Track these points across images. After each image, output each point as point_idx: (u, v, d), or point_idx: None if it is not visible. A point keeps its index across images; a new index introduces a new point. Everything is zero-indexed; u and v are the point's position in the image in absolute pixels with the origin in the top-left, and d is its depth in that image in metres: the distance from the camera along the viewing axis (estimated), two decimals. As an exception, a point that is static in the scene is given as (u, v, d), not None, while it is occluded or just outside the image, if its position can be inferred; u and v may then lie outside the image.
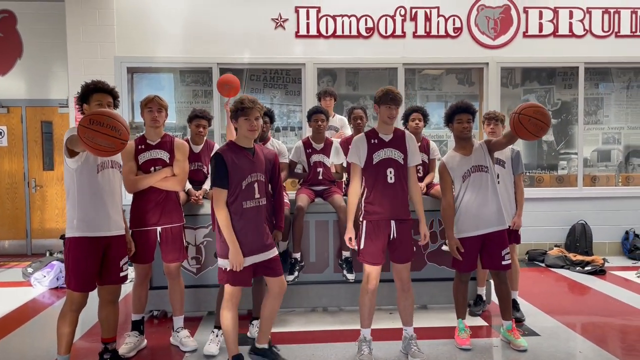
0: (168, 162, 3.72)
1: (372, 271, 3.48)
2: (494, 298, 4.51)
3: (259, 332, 3.52)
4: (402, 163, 3.49)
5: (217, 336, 3.75)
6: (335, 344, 3.92)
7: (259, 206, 3.24)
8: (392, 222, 3.46)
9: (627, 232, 6.94)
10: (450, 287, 4.65)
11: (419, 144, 4.85)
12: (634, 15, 6.87)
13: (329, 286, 4.67)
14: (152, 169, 3.68)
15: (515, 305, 4.43)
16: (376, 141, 3.49)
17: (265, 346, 3.49)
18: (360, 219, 3.52)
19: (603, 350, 3.76)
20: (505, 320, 3.92)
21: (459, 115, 3.77)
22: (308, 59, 6.70)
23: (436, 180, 4.67)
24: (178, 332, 3.87)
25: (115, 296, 3.38)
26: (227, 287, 3.22)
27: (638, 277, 5.81)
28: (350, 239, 3.47)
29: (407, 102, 6.73)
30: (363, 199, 3.51)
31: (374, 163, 3.46)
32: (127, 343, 3.72)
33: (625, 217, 6.99)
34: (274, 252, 3.32)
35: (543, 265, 6.47)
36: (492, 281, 4.81)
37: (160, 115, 3.68)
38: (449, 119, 3.86)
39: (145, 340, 3.91)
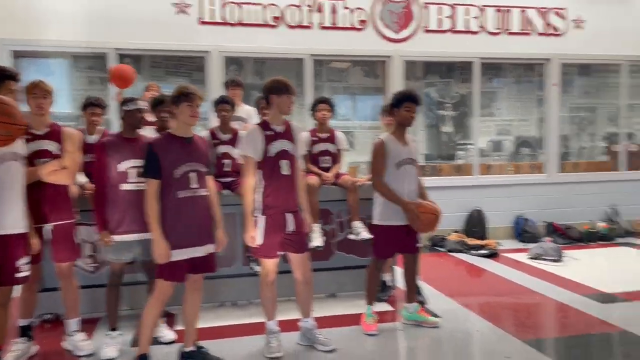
0: (57, 153, 3.43)
1: (271, 264, 3.46)
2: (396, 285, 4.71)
3: (185, 335, 3.40)
4: (293, 154, 3.49)
5: (113, 338, 3.55)
6: (245, 337, 3.86)
7: (195, 197, 3.13)
8: (288, 215, 3.45)
9: (517, 217, 7.49)
10: (358, 275, 4.75)
11: (327, 134, 4.90)
12: (522, 14, 7.38)
13: (238, 280, 4.59)
14: (38, 161, 3.37)
15: (417, 289, 4.62)
16: (271, 132, 3.43)
17: (194, 348, 3.39)
18: (257, 214, 3.42)
19: (498, 328, 4.02)
20: (411, 302, 4.08)
21: (410, 104, 3.85)
22: (213, 47, 6.50)
23: (346, 172, 4.73)
24: (72, 335, 3.60)
25: (4, 299, 3.09)
26: (158, 282, 3.10)
27: (528, 258, 6.29)
28: (252, 237, 3.39)
29: (316, 94, 6.75)
30: (260, 193, 3.42)
31: (270, 155, 3.40)
32: (14, 351, 3.41)
33: (516, 203, 7.53)
34: (211, 248, 3.24)
35: (444, 250, 6.81)
36: (397, 267, 5.02)
37: (45, 101, 3.38)
38: (397, 105, 3.87)
39: (36, 347, 3.61)
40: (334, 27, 6.84)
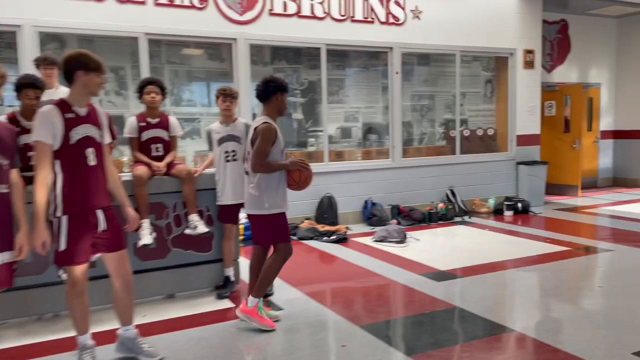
0: None
1: (79, 272, 2.96)
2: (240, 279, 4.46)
3: None
4: (99, 141, 3.03)
5: None
6: (55, 356, 3.32)
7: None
8: (98, 212, 2.99)
9: (366, 202, 7.66)
10: (198, 272, 4.43)
11: (158, 119, 4.45)
12: (365, 2, 7.50)
13: (51, 289, 3.97)
14: None
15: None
16: (72, 115, 2.92)
17: None
18: (57, 214, 2.90)
19: (338, 315, 3.95)
20: (255, 297, 3.85)
21: (285, 94, 3.77)
22: (25, 21, 5.61)
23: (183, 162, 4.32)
24: None
25: None
26: None
27: (374, 241, 6.42)
28: (43, 244, 2.81)
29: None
30: (58, 188, 2.89)
31: (72, 142, 2.89)
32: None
33: (365, 188, 7.70)
34: (7, 257, 2.74)
35: (295, 238, 6.71)
36: (239, 260, 4.76)
37: None
38: (273, 91, 3.70)
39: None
40: (172, 5, 6.31)
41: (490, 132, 9.10)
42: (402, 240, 6.37)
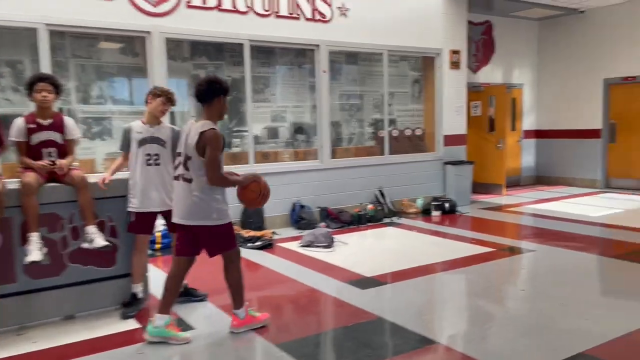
0: None
1: None
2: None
3: None
4: None
5: None
6: None
7: None
8: None
9: (294, 205, 7.40)
10: (100, 289, 4.05)
11: (50, 120, 3.96)
12: (290, -2, 7.24)
13: None
14: None
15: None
16: None
17: None
18: None
19: (253, 332, 3.66)
20: (164, 313, 3.52)
21: (227, 97, 3.55)
22: None
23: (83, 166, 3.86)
24: None
25: None
26: None
27: (300, 247, 6.18)
28: None
29: (57, 73, 5.62)
30: None
31: None
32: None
33: (293, 190, 7.44)
34: None
35: (218, 245, 6.35)
36: (149, 274, 4.37)
37: None
38: (218, 93, 3.47)
39: None
40: (76, -7, 5.76)
41: (419, 132, 9.09)
42: (329, 244, 6.16)
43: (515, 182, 11.34)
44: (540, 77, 11.64)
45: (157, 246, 6.07)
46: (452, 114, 9.11)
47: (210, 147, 3.31)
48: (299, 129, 7.92)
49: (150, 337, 3.49)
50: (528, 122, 11.62)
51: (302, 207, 7.42)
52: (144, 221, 4.06)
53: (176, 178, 3.52)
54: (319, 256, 5.77)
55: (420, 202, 8.52)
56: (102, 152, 6.30)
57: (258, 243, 6.22)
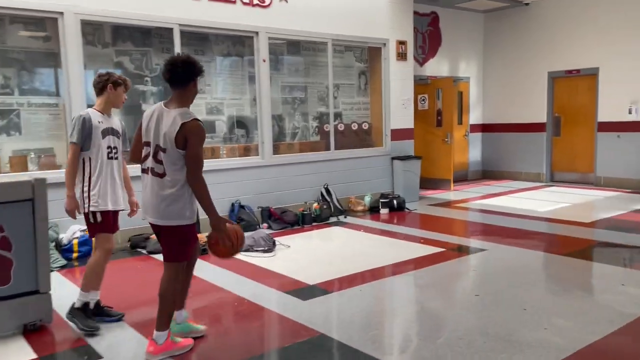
0: None
1: None
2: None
3: None
4: None
5: None
6: None
7: None
8: None
9: (233, 205, 6.85)
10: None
11: None
12: (225, -20, 6.65)
13: None
14: None
15: (85, 308, 3.59)
16: None
17: None
18: None
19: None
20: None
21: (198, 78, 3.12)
22: None
23: None
24: None
25: None
26: None
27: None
28: None
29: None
30: None
31: None
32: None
33: (232, 189, 6.88)
34: None
35: (145, 252, 5.72)
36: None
37: None
38: (195, 76, 3.06)
39: None
40: (-30, -35, 4.97)
41: (365, 126, 8.72)
42: (269, 248, 5.66)
43: (462, 177, 11.21)
44: (486, 70, 11.56)
45: (74, 255, 5.39)
46: (399, 108, 8.79)
47: (194, 140, 2.93)
48: (238, 123, 7.36)
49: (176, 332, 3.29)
50: (474, 116, 11.52)
51: (242, 207, 6.87)
52: (112, 220, 3.67)
53: (144, 171, 3.12)
54: (258, 262, 5.27)
55: (367, 200, 8.15)
56: (8, 149, 5.53)
57: (191, 248, 5.63)
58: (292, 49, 7.88)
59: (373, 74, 8.80)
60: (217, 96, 7.17)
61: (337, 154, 8.07)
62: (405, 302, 4.25)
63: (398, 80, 8.71)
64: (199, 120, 3.00)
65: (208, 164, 6.63)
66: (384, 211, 7.87)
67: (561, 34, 10.20)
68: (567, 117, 10.44)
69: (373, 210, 8.00)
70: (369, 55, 8.77)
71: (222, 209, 6.74)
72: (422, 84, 10.05)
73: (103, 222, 3.58)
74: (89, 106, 3.98)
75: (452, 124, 9.88)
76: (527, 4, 10.57)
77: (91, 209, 3.52)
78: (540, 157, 10.74)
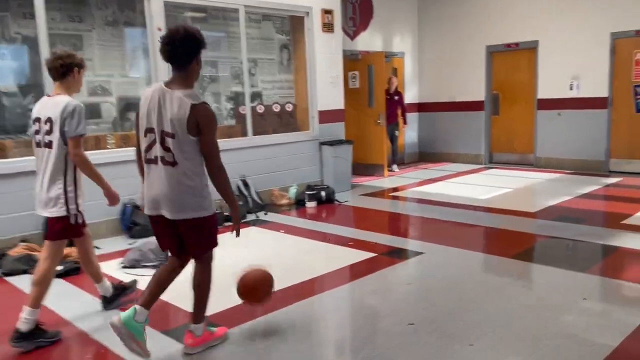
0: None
1: None
2: None
3: None
4: None
5: None
6: None
7: None
8: None
9: (125, 206, 5.65)
10: None
11: None
12: None
13: None
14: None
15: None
16: None
17: None
18: None
19: None
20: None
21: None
22: None
23: None
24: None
25: None
26: None
27: (122, 268, 4.52)
28: None
29: None
30: None
31: None
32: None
33: (123, 187, 5.63)
34: None
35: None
36: None
37: None
38: (197, 53, 2.74)
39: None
40: None
41: (289, 107, 7.68)
42: (161, 263, 4.55)
43: (399, 160, 10.43)
44: (421, 45, 10.75)
45: None
46: (327, 86, 7.79)
47: (208, 126, 2.68)
48: (129, 106, 6.11)
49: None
50: (410, 94, 10.72)
51: (136, 208, 5.69)
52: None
53: (150, 161, 2.76)
54: (144, 283, 4.14)
55: (293, 192, 7.16)
56: None
57: (59, 268, 4.43)
58: (198, 18, 6.66)
59: (297, 47, 7.73)
60: (100, 73, 5.88)
61: (256, 140, 7.00)
62: (325, 339, 3.29)
63: (325, 54, 7.69)
64: (207, 103, 2.72)
65: (92, 156, 5.43)
66: (310, 205, 6.91)
67: (500, 4, 9.50)
68: (506, 95, 9.82)
69: (299, 204, 7.02)
70: (292, 26, 7.69)
71: (111, 211, 5.53)
72: (352, 60, 9.09)
73: (78, 226, 3.28)
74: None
75: (385, 104, 9.00)
76: (463, -28, 9.79)
77: (80, 209, 3.24)
78: (479, 137, 10.12)
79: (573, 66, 8.75)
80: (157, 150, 2.70)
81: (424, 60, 10.76)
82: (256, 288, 3.19)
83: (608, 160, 8.62)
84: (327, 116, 7.80)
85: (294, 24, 7.63)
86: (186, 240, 2.84)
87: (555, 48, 8.91)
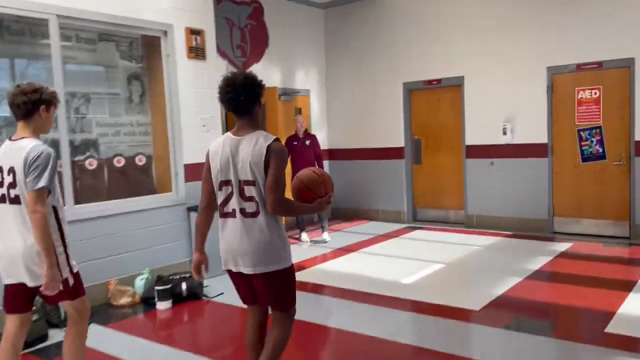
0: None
1: None
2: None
3: None
4: None
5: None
6: None
7: None
8: None
9: None
10: None
11: None
12: None
13: None
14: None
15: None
16: None
17: None
18: None
19: None
20: None
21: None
22: None
23: None
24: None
25: None
26: None
27: None
28: None
29: None
30: None
31: None
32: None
33: None
34: None
35: None
36: None
37: None
38: (260, 96, 2.70)
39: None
40: None
41: (141, 160, 5.52)
42: None
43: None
44: (330, 81, 9.05)
45: None
46: (198, 132, 5.74)
47: (277, 161, 2.56)
48: None
49: None
50: (318, 139, 8.87)
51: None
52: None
53: (227, 215, 2.64)
54: None
55: (140, 284, 4.94)
56: None
57: None
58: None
59: (154, 79, 5.66)
60: None
61: (84, 210, 4.75)
62: None
63: (194, 89, 5.68)
64: (279, 140, 2.63)
65: None
66: (162, 306, 4.71)
67: (417, 35, 8.01)
68: (429, 140, 8.25)
69: (148, 303, 4.80)
70: (146, 50, 5.63)
71: None
72: (241, 97, 7.12)
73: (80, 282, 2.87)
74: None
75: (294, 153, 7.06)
76: (374, -4, 8.28)
77: (74, 270, 2.81)
78: (400, 191, 8.42)
79: (506, 107, 7.32)
80: (235, 203, 2.61)
81: (333, 99, 9.04)
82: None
83: (551, 219, 7.14)
84: (198, 171, 5.70)
85: (149, 47, 5.58)
86: (268, 295, 2.66)
87: (483, 85, 7.47)
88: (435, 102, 8.10)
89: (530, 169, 7.18)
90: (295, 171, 6.57)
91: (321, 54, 9.00)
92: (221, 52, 7.18)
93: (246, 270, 2.58)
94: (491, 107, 7.41)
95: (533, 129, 7.13)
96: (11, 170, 2.63)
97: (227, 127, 6.70)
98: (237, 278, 2.71)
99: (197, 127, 5.73)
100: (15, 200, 2.64)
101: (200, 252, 2.78)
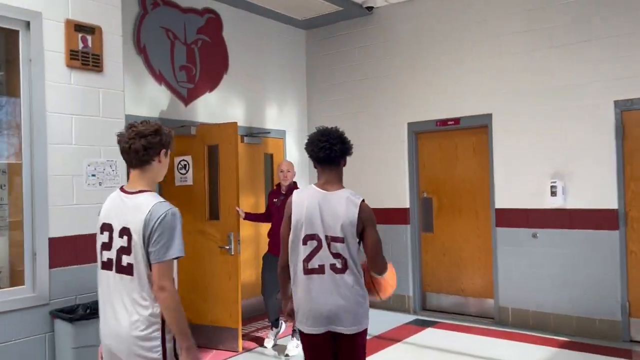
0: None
1: None
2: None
3: None
4: None
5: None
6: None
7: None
8: None
9: None
10: None
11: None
12: None
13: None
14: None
15: None
16: None
17: None
18: None
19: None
20: None
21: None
22: None
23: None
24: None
25: None
26: None
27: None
28: None
29: None
30: None
31: None
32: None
33: None
34: None
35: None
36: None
37: None
38: (349, 153, 2.78)
39: None
40: None
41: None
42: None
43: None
44: (313, 120, 6.96)
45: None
46: (79, 185, 3.58)
47: (373, 224, 2.68)
48: None
49: None
50: (295, 195, 6.70)
51: None
52: None
53: (313, 271, 2.63)
54: None
55: None
56: None
57: None
58: None
59: (15, 98, 3.54)
60: None
61: None
62: None
63: (73, 116, 3.56)
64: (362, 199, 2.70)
65: None
66: None
67: (425, 59, 6.02)
68: (443, 200, 6.09)
69: None
70: (5, 52, 3.56)
71: None
72: (182, 136, 5.02)
73: None
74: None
75: (240, 213, 4.89)
76: (369, 10, 6.31)
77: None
78: (404, 267, 6.16)
79: (554, 156, 5.21)
80: (323, 258, 2.61)
81: (315, 143, 6.93)
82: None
83: (627, 320, 4.87)
84: (73, 250, 3.50)
85: (11, 46, 3.50)
86: (352, 354, 2.65)
87: (520, 126, 5.39)
88: (451, 148, 5.99)
89: (593, 246, 4.98)
90: (273, 235, 4.93)
91: (301, 84, 6.98)
92: (155, 74, 5.16)
93: (345, 330, 2.58)
94: (532, 156, 5.30)
95: (596, 187, 4.99)
96: (125, 232, 2.13)
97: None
98: (321, 340, 2.62)
99: (80, 178, 3.56)
100: (126, 270, 2.12)
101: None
